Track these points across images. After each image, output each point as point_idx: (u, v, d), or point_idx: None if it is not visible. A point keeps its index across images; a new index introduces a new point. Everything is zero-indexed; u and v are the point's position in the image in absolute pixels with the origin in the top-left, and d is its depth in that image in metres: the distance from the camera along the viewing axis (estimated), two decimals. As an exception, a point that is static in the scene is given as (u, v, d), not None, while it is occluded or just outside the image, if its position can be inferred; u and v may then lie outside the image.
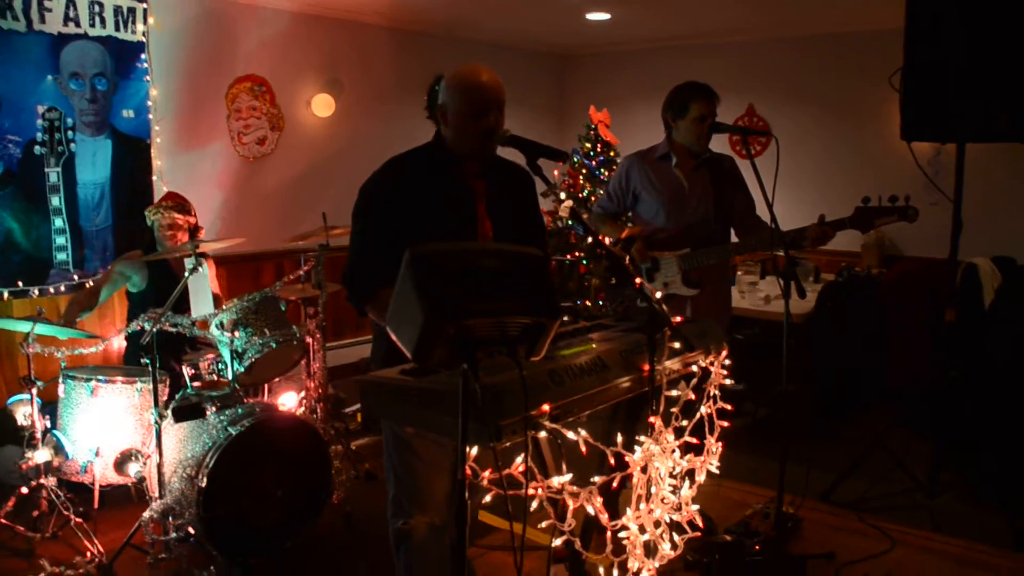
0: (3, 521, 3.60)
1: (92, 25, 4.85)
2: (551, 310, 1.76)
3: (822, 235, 3.32)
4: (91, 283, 4.88)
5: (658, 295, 2.33)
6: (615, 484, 2.11)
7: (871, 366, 5.74)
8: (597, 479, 2.05)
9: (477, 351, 1.71)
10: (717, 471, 2.53)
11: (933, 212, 4.68)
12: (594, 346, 2.30)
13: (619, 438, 2.12)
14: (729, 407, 2.51)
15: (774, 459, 3.52)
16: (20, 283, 4.68)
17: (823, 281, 5.93)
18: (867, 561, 3.58)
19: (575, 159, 6.69)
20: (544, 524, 2.02)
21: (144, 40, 5.11)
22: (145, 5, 5.07)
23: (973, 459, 4.47)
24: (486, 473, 1.84)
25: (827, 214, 3.40)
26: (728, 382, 2.53)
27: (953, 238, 4.02)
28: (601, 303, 6.16)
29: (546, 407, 1.89)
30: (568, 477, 1.97)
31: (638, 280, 2.24)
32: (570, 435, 1.96)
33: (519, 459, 1.86)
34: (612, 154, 6.58)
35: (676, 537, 2.32)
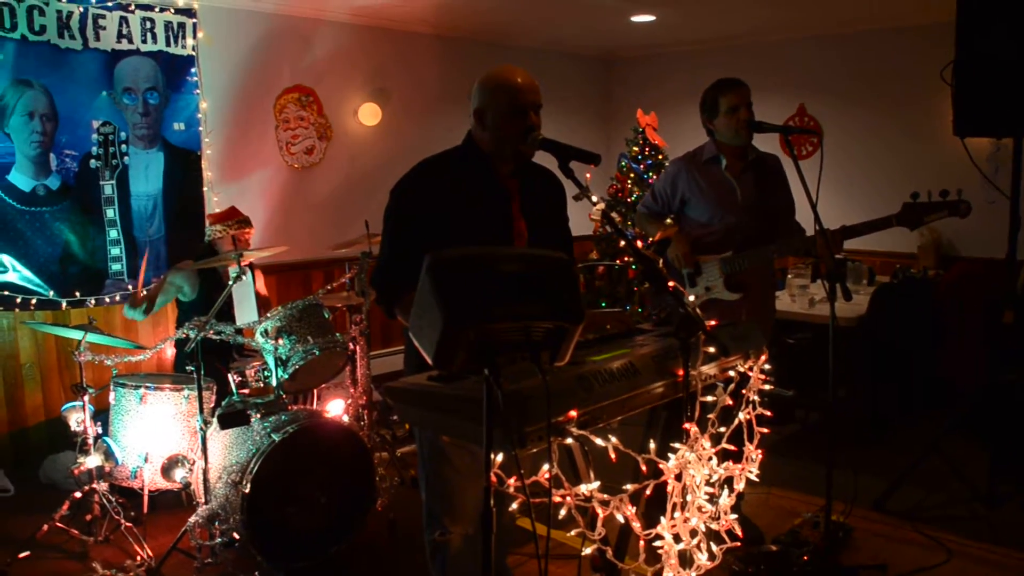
0: (59, 524, 3.70)
1: (144, 41, 4.98)
2: (574, 314, 1.72)
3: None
4: (144, 292, 5.01)
5: (691, 298, 2.28)
6: (648, 492, 2.08)
7: (926, 370, 5.56)
8: (629, 487, 2.01)
9: (499, 356, 1.69)
10: (757, 479, 2.47)
11: (991, 211, 4.52)
12: (628, 351, 2.27)
13: (652, 445, 2.08)
14: (769, 413, 2.45)
15: (825, 466, 3.43)
16: (77, 293, 4.82)
17: (877, 283, 5.76)
18: (921, 573, 3.46)
19: (623, 163, 6.64)
20: (574, 532, 1.99)
21: (194, 54, 5.23)
22: (195, 20, 5.19)
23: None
24: (511, 480, 1.82)
25: (880, 214, 3.29)
26: (768, 387, 2.47)
27: (1011, 237, 3.87)
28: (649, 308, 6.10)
29: (573, 413, 1.86)
30: (596, 485, 1.94)
31: (671, 283, 2.20)
32: (598, 441, 1.93)
33: (546, 466, 1.84)
34: (660, 157, 6.52)
35: (714, 547, 2.27)
